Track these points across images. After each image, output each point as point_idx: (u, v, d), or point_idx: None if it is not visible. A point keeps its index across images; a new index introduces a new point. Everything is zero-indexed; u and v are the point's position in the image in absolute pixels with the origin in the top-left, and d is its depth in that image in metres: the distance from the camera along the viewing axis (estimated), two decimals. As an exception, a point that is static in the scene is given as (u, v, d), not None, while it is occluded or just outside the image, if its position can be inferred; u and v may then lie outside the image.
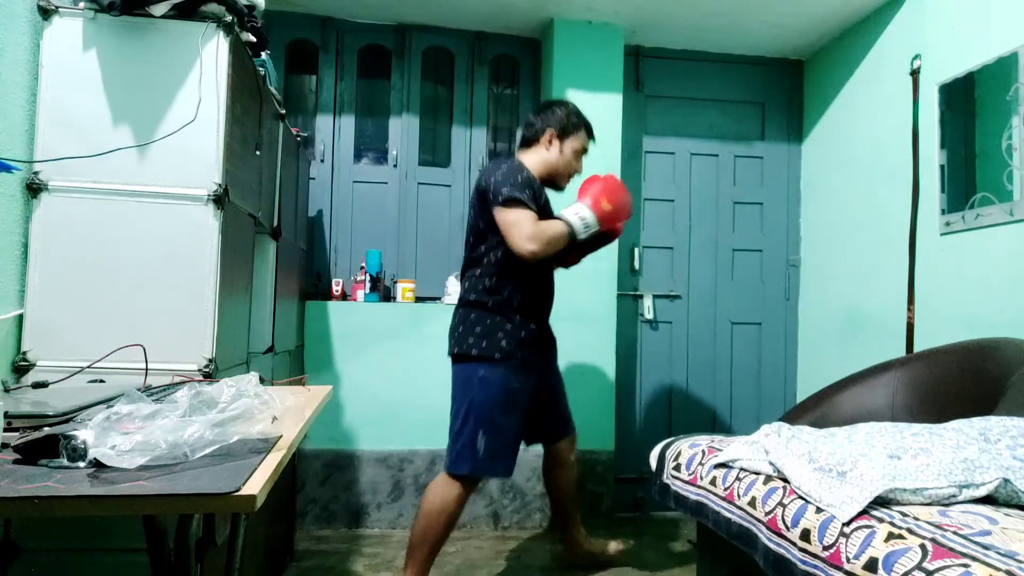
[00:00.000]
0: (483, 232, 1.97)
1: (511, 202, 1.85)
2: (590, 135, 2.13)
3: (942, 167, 2.34)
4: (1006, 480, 1.24)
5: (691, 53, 3.20)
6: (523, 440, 2.18)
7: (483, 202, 1.94)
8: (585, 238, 1.96)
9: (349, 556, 2.46)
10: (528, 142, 2.09)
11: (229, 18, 1.51)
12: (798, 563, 1.25)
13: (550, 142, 2.05)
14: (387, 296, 2.87)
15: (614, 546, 2.38)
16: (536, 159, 2.06)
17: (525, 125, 2.13)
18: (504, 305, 1.95)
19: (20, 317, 1.41)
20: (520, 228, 1.83)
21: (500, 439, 1.94)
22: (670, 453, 1.89)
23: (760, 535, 1.40)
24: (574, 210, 1.94)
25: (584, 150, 2.11)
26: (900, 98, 2.54)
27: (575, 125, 2.07)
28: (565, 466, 2.27)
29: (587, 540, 2.37)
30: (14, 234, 1.40)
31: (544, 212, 1.99)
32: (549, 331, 2.16)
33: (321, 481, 2.70)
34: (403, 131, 3.02)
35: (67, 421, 0.93)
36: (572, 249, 2.02)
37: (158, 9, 1.45)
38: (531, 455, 2.55)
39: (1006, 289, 2.05)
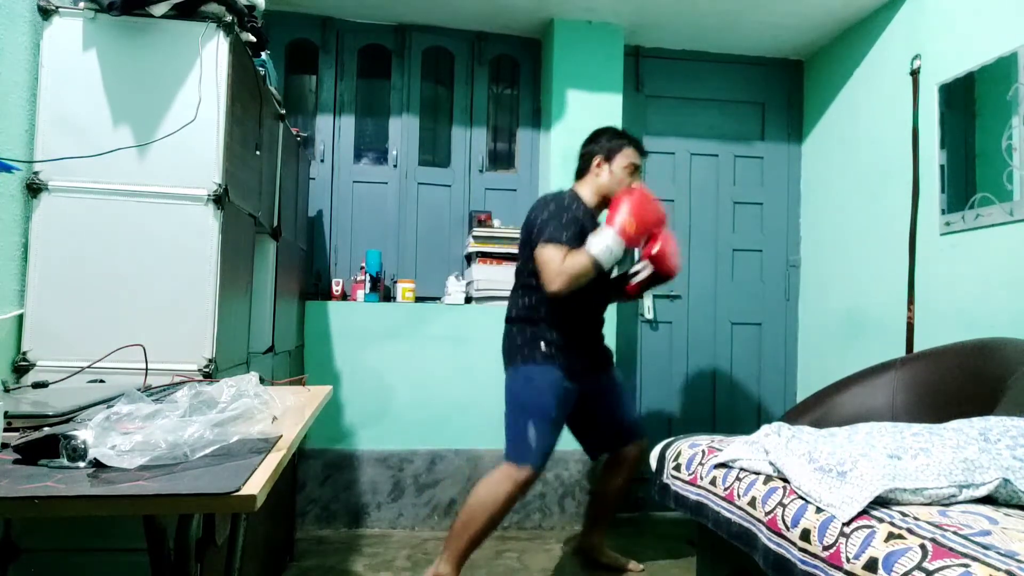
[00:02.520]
0: (528, 259, 2.08)
1: (548, 242, 1.97)
2: (638, 149, 2.20)
3: (942, 167, 2.34)
4: (1006, 480, 1.24)
5: (691, 53, 3.20)
6: (588, 452, 2.34)
7: (529, 233, 2.08)
8: (612, 263, 2.02)
9: (349, 556, 2.46)
10: (581, 173, 2.21)
11: (229, 18, 1.50)
12: (798, 563, 1.25)
13: (599, 167, 2.16)
14: (387, 296, 2.87)
15: (630, 564, 2.39)
16: (590, 188, 2.17)
17: (578, 158, 2.25)
18: (542, 321, 2.07)
19: (20, 317, 1.41)
20: (548, 267, 1.96)
21: (546, 431, 2.03)
22: (670, 453, 1.89)
23: (760, 535, 1.40)
24: (601, 239, 1.97)
25: (635, 166, 2.18)
26: (900, 98, 2.54)
27: (619, 144, 2.17)
28: (623, 469, 2.31)
29: (605, 549, 2.40)
30: (14, 234, 1.40)
31: None
32: (598, 348, 2.26)
33: (321, 481, 2.70)
34: (403, 131, 3.02)
35: (67, 421, 0.93)
36: (614, 280, 2.26)
37: (158, 9, 1.45)
38: (531, 455, 2.55)
39: (1006, 289, 2.05)
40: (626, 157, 2.16)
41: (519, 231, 2.86)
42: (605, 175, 2.15)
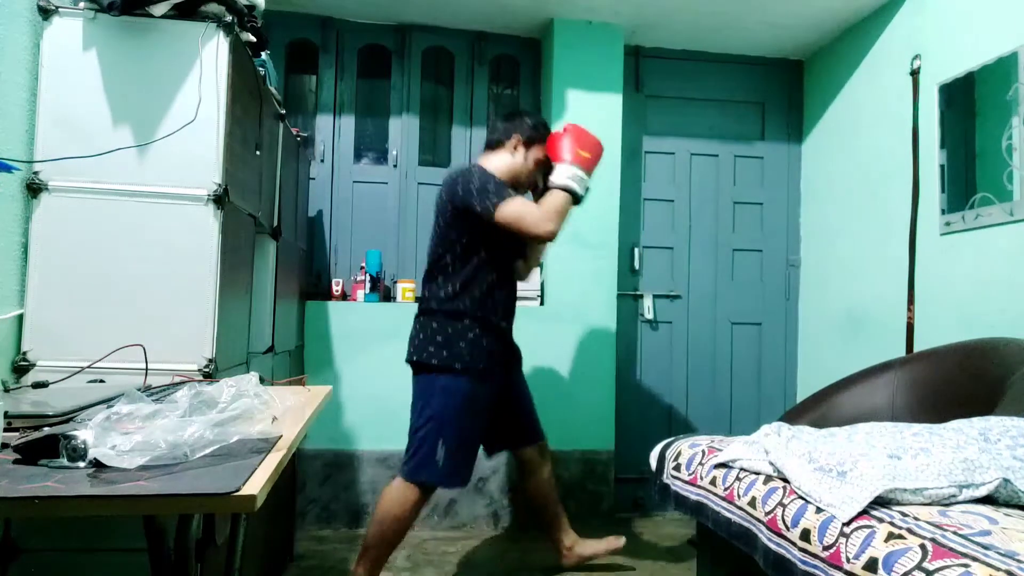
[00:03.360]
0: (451, 242, 1.97)
1: (502, 201, 1.87)
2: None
3: (942, 167, 2.34)
4: (1006, 480, 1.24)
5: (691, 53, 3.20)
6: (485, 449, 2.18)
7: (456, 212, 1.94)
8: (584, 190, 1.99)
9: (349, 556, 2.45)
10: (493, 146, 2.09)
11: (229, 18, 1.51)
12: (798, 563, 1.25)
13: (515, 148, 2.05)
14: (387, 296, 2.87)
15: (609, 542, 2.29)
16: (500, 163, 2.05)
17: (491, 129, 2.15)
18: (465, 314, 1.96)
19: (20, 317, 1.41)
20: (528, 216, 1.86)
21: (459, 450, 1.95)
22: (670, 453, 1.89)
23: (760, 535, 1.40)
24: (563, 174, 1.96)
25: (547, 163, 2.07)
26: (900, 98, 2.54)
27: (540, 135, 2.08)
28: (537, 473, 2.22)
29: (578, 543, 2.30)
30: (14, 234, 1.40)
31: None
32: (512, 341, 2.15)
33: (321, 481, 2.70)
34: (403, 131, 3.02)
35: (67, 421, 0.93)
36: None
37: (158, 9, 1.45)
38: (531, 455, 2.55)
39: (1006, 289, 2.05)
40: (542, 151, 2.07)
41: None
42: (519, 157, 2.05)
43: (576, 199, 1.98)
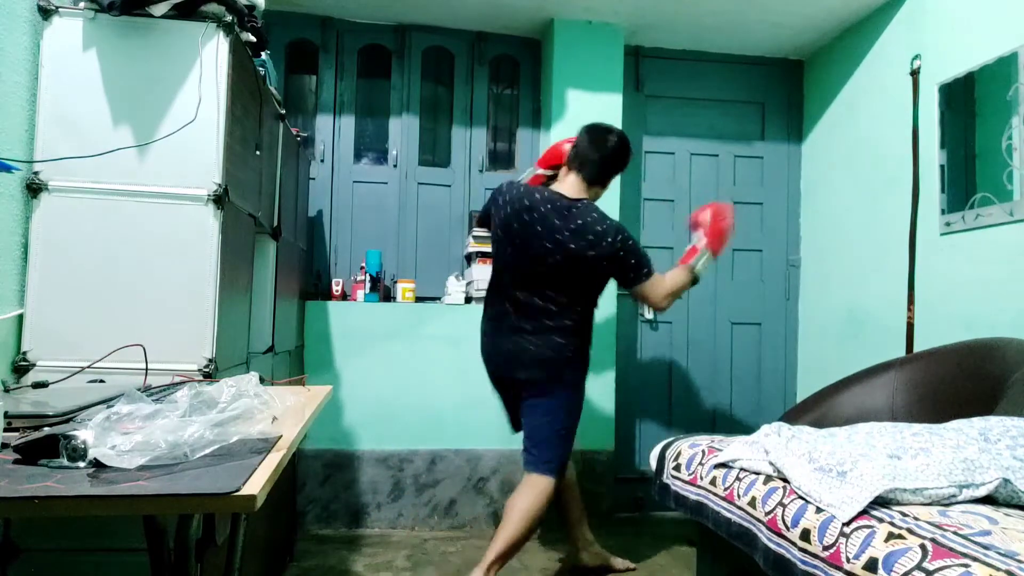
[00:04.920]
0: (589, 284, 2.08)
1: (649, 273, 2.06)
2: None
3: (942, 167, 2.34)
4: (1006, 480, 1.24)
5: (691, 53, 3.20)
6: (514, 426, 2.27)
7: (601, 269, 2.04)
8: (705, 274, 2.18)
9: (349, 556, 2.46)
10: (593, 181, 2.10)
11: (229, 18, 1.50)
12: (798, 563, 1.25)
13: (605, 187, 2.16)
14: (387, 296, 2.87)
15: (626, 563, 2.39)
16: (596, 197, 2.14)
17: (588, 160, 2.08)
18: (586, 337, 2.13)
19: (20, 317, 1.41)
20: (655, 293, 2.08)
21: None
22: (670, 453, 1.89)
23: (760, 535, 1.40)
24: (702, 260, 2.15)
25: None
26: (900, 98, 2.54)
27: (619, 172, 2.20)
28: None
29: (594, 545, 2.36)
30: (14, 234, 1.40)
31: None
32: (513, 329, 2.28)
33: (321, 481, 2.70)
34: (403, 131, 3.02)
35: (67, 421, 0.93)
36: None
37: (158, 9, 1.45)
38: (531, 455, 2.55)
39: (1006, 289, 2.05)
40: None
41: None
42: (602, 193, 2.16)
43: (695, 282, 2.16)
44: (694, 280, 2.14)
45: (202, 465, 0.78)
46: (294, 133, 2.35)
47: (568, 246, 1.98)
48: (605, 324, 2.89)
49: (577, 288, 2.06)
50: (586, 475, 2.84)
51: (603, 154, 2.08)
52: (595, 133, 2.11)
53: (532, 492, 2.02)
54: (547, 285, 2.04)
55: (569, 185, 2.08)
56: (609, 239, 2.00)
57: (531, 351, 2.04)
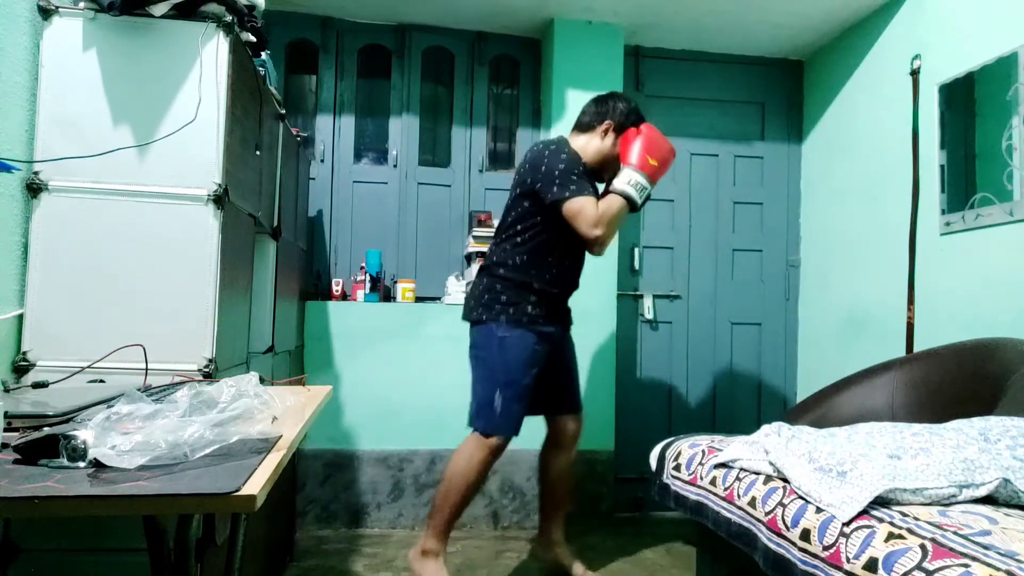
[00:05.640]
0: (524, 212, 2.01)
1: (573, 195, 1.90)
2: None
3: (942, 167, 2.34)
4: (1006, 480, 1.24)
5: (691, 53, 3.20)
6: (527, 409, 2.17)
7: (531, 186, 1.98)
8: (643, 199, 1.99)
9: (349, 556, 2.46)
10: (583, 127, 2.09)
11: (229, 18, 1.50)
12: (798, 563, 1.25)
13: (606, 133, 2.05)
14: (387, 296, 2.87)
15: (579, 569, 2.21)
16: (589, 146, 2.06)
17: (583, 111, 2.12)
18: (532, 281, 2.01)
19: (20, 317, 1.41)
20: (584, 216, 1.90)
21: (514, 400, 1.99)
22: (670, 453, 1.89)
23: (760, 535, 1.40)
24: (624, 179, 1.96)
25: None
26: (900, 98, 2.54)
27: (634, 124, 2.07)
28: (564, 446, 2.22)
29: (561, 545, 2.25)
30: (14, 234, 1.40)
31: None
32: (567, 308, 2.20)
33: (321, 481, 2.70)
34: (403, 131, 3.02)
35: (67, 421, 0.93)
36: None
37: (158, 9, 1.45)
38: (531, 455, 2.55)
39: (1006, 289, 2.05)
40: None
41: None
42: (608, 143, 2.05)
43: (633, 207, 1.98)
44: (631, 205, 1.96)
45: (202, 465, 0.78)
46: (294, 133, 2.35)
47: (514, 176, 2.07)
48: (605, 324, 2.89)
49: (507, 217, 2.05)
50: (586, 475, 2.84)
51: (595, 103, 2.10)
52: (597, 96, 2.15)
53: (459, 449, 2.00)
54: (499, 223, 2.11)
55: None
56: (537, 147, 2.01)
57: (472, 290, 2.10)
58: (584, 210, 1.90)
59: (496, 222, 2.88)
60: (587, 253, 2.09)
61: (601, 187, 2.10)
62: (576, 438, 2.25)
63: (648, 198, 2.03)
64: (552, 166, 1.95)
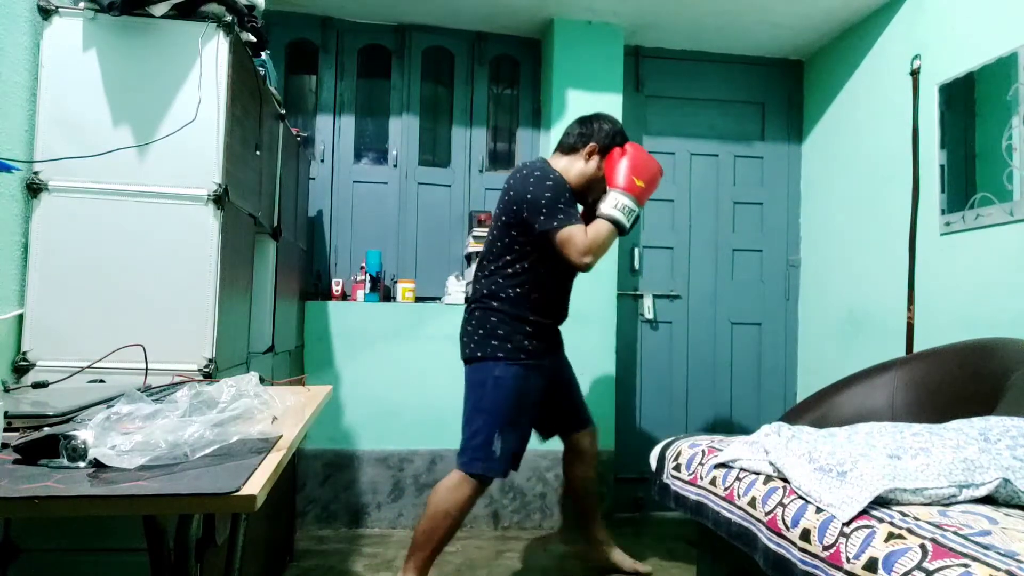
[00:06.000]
0: (512, 241, 1.95)
1: (558, 224, 1.86)
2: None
3: (942, 167, 2.34)
4: (1006, 480, 1.24)
5: (691, 53, 3.20)
6: (539, 434, 2.21)
7: (518, 215, 1.92)
8: (631, 222, 1.94)
9: (349, 556, 2.46)
10: (566, 149, 2.04)
11: (229, 18, 1.50)
12: (798, 563, 1.25)
13: (590, 155, 2.00)
14: (387, 296, 2.87)
15: (632, 564, 2.29)
16: (572, 168, 2.01)
17: (566, 133, 2.07)
18: (526, 311, 1.96)
19: (20, 317, 1.41)
20: (573, 245, 1.86)
21: (513, 440, 1.95)
22: (670, 453, 1.89)
23: (760, 535, 1.40)
24: (612, 202, 1.92)
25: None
26: (900, 98, 2.54)
27: (616, 144, 2.02)
28: (584, 459, 2.26)
29: (608, 544, 2.33)
30: (14, 234, 1.40)
31: None
32: (559, 333, 2.16)
33: (321, 481, 2.70)
34: (403, 131, 3.02)
35: (67, 421, 0.93)
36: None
37: (158, 9, 1.45)
38: (532, 455, 2.55)
39: (1006, 289, 2.05)
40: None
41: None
42: (592, 166, 2.00)
43: (622, 231, 1.93)
44: (619, 229, 1.92)
45: (202, 465, 0.78)
46: (294, 133, 2.35)
47: (498, 204, 2.01)
48: (605, 324, 2.89)
49: (493, 245, 1.99)
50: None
51: (578, 124, 2.06)
52: (580, 117, 2.10)
53: (440, 487, 1.94)
54: (484, 252, 2.05)
55: (551, 162, 2.04)
56: (520, 174, 1.94)
57: (464, 327, 2.04)
58: (573, 238, 1.85)
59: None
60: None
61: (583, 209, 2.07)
62: (594, 450, 2.29)
63: (637, 220, 1.99)
64: (538, 195, 1.89)
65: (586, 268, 1.90)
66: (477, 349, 1.97)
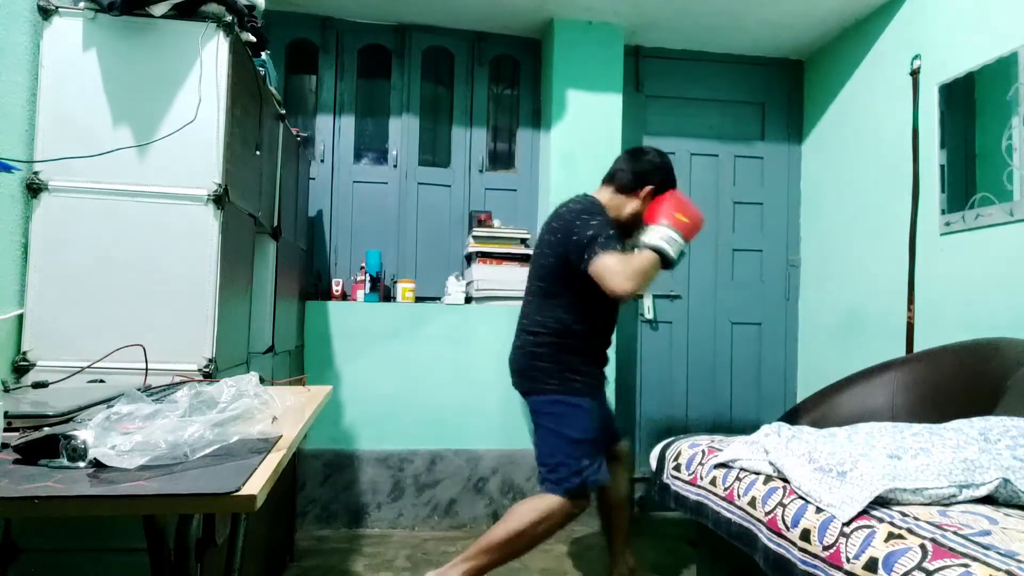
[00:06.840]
0: (563, 275, 1.94)
1: (604, 251, 1.83)
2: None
3: (942, 167, 2.34)
4: (1006, 480, 1.24)
5: (691, 53, 3.20)
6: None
7: (565, 249, 1.91)
8: (677, 254, 1.92)
9: (349, 556, 2.46)
10: (622, 188, 2.02)
11: (229, 18, 1.50)
12: (798, 563, 1.25)
13: (641, 196, 2.00)
14: (387, 296, 2.88)
15: None
16: (626, 207, 2.01)
17: (620, 169, 2.04)
18: (579, 341, 1.96)
19: (20, 317, 1.41)
20: (614, 272, 1.81)
21: (596, 455, 1.94)
22: (670, 453, 1.89)
23: (760, 535, 1.40)
24: (657, 234, 1.90)
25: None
26: (900, 98, 2.54)
27: (666, 189, 2.02)
28: (616, 475, 2.18)
29: (638, 568, 2.23)
30: (14, 234, 1.40)
31: None
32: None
33: (321, 481, 2.70)
34: (403, 131, 3.02)
35: (67, 421, 0.93)
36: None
37: (158, 9, 1.45)
38: (532, 455, 2.54)
39: (1006, 289, 2.05)
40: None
41: (519, 231, 2.89)
42: (640, 205, 2.00)
43: (667, 263, 1.89)
44: (664, 260, 1.89)
45: (202, 465, 0.78)
46: (294, 133, 2.35)
47: (541, 236, 1.98)
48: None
49: (546, 280, 1.97)
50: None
51: (635, 162, 2.03)
52: (632, 150, 2.09)
53: (528, 505, 1.93)
54: (528, 285, 2.04)
55: (599, 196, 2.02)
56: (569, 214, 1.92)
57: (514, 356, 2.01)
58: (615, 264, 1.82)
59: (496, 222, 2.92)
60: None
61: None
62: (625, 465, 2.23)
63: (682, 255, 1.96)
64: (582, 234, 1.87)
65: (624, 295, 1.83)
66: (538, 383, 1.96)
